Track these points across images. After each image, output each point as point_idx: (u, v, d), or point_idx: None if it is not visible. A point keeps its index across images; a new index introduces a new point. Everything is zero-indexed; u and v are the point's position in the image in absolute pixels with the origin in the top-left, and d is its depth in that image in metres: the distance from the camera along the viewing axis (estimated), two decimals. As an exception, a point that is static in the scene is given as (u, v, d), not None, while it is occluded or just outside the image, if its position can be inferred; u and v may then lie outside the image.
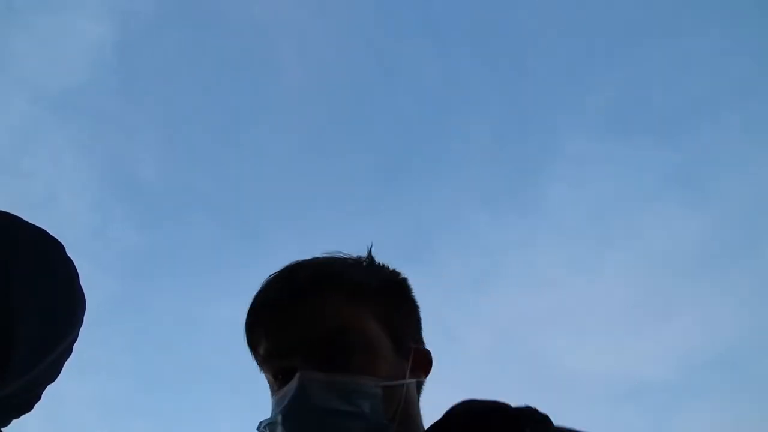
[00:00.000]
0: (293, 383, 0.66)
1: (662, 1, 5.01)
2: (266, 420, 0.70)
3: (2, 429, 0.62)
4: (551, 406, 0.70)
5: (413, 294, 0.81)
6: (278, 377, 0.70)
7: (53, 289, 0.61)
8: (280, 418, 0.66)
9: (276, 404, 0.69)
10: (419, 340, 0.79)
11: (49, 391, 0.65)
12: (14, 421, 0.63)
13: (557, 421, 0.69)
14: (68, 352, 0.65)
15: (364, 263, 0.79)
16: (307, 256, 0.78)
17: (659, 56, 5.14)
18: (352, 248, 0.81)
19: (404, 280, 0.81)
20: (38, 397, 0.63)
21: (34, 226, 0.64)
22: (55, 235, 0.65)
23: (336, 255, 0.79)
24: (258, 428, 0.71)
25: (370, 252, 0.80)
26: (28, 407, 0.63)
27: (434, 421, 0.73)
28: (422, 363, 0.77)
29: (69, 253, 0.66)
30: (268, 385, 0.74)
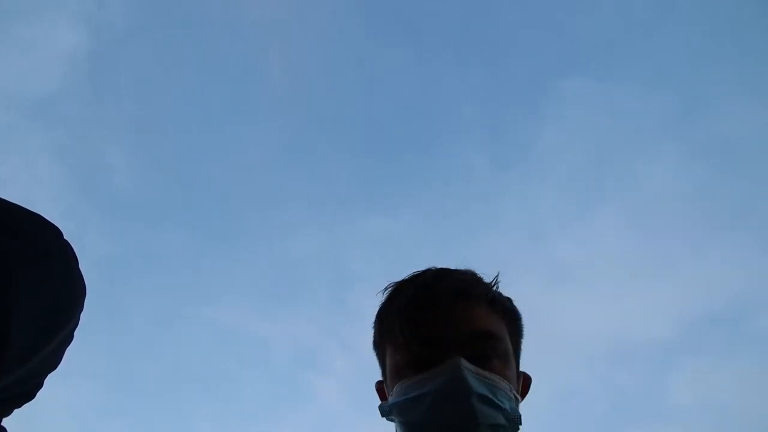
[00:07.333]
0: (448, 368, 0.73)
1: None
2: (397, 400, 0.76)
3: (2, 419, 0.60)
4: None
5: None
6: (411, 363, 0.77)
7: (51, 274, 0.60)
8: (431, 395, 0.72)
9: (419, 384, 0.75)
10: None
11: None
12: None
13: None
14: (69, 339, 0.63)
15: (495, 285, 0.87)
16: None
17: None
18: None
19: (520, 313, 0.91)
20: (40, 386, 0.62)
21: (30, 211, 0.62)
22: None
23: (471, 270, 0.88)
24: (382, 410, 0.79)
25: (497, 278, 0.88)
26: (29, 396, 0.61)
27: None
28: (525, 388, 0.86)
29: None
30: (380, 366, 0.85)
